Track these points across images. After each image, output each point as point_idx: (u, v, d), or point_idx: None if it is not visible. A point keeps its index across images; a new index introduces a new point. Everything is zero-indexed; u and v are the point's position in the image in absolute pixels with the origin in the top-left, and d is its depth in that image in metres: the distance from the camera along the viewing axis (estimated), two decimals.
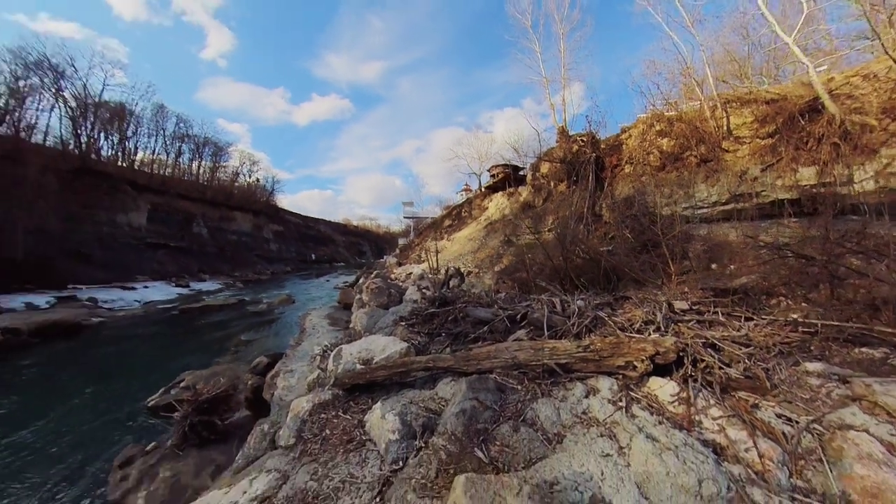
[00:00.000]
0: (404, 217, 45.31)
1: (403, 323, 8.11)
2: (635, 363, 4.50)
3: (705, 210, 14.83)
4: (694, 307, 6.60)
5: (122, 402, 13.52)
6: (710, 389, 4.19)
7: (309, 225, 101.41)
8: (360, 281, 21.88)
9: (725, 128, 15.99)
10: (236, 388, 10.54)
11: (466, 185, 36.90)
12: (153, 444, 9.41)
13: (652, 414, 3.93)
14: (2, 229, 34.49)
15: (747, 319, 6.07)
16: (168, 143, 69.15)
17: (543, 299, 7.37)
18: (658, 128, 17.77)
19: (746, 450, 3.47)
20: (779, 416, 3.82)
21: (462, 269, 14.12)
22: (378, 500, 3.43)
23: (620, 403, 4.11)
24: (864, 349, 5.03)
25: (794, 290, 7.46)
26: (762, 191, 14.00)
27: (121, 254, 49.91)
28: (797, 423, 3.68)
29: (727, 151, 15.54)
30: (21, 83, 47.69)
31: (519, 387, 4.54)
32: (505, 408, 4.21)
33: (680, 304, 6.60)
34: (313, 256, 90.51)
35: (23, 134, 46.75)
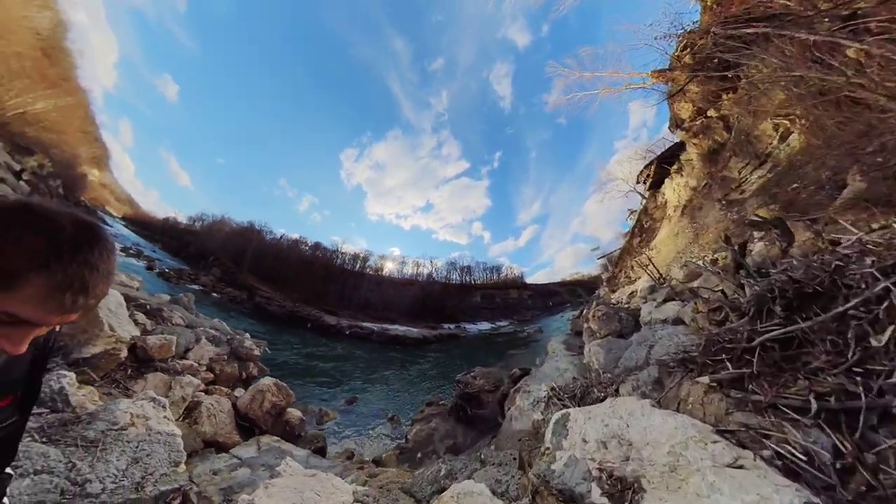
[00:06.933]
0: (597, 259, 19.88)
1: (692, 370, 1.15)
2: None
3: None
4: None
5: (456, 372, 10.50)
6: None
7: (544, 287, 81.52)
8: (584, 312, 8.39)
9: None
10: (498, 388, 5.42)
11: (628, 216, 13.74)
12: (443, 401, 6.00)
13: None
14: (464, 307, 41.20)
15: None
16: (484, 273, 70.30)
17: None
18: None
19: None
20: None
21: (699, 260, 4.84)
22: None
23: None
24: None
25: None
26: None
27: (475, 313, 51.19)
28: None
29: None
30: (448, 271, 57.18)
31: None
32: None
33: None
34: (550, 303, 70.88)
35: (446, 280, 55.57)
